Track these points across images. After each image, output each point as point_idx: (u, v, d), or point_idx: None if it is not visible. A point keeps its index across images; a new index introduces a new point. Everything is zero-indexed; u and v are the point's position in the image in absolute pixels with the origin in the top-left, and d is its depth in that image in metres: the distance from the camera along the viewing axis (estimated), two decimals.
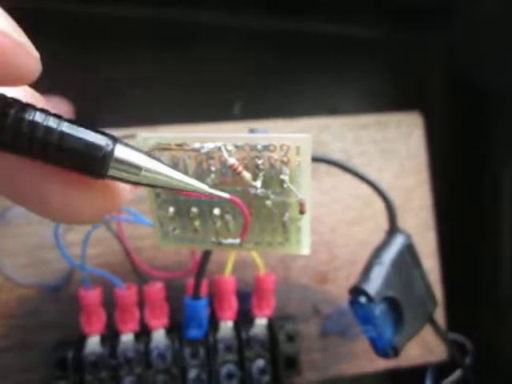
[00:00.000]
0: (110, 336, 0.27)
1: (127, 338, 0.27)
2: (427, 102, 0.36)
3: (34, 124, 0.13)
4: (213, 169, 0.20)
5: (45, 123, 0.13)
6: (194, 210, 0.21)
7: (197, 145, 0.19)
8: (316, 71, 0.36)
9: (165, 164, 0.15)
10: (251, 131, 0.22)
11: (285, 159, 0.19)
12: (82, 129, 0.13)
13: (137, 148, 0.14)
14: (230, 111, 0.35)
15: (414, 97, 0.36)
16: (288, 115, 0.32)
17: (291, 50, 0.37)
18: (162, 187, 0.15)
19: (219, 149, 0.19)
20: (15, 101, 0.13)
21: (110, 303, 0.27)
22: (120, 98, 0.34)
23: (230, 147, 0.19)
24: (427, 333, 0.28)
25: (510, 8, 0.31)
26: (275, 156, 0.19)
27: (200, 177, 0.20)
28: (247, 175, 0.19)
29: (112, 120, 0.31)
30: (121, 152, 0.14)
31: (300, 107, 0.36)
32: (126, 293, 0.27)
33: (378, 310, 0.23)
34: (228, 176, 0.20)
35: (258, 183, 0.19)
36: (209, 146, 0.19)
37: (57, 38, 0.33)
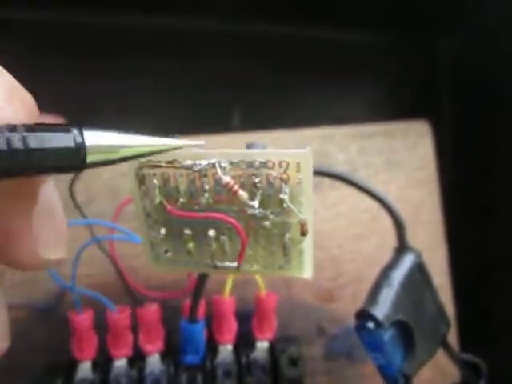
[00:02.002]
0: (102, 361, 0.26)
1: (120, 363, 0.25)
2: (434, 110, 0.35)
3: None
4: (206, 187, 0.18)
5: (5, 133, 0.12)
6: (187, 231, 0.19)
7: (189, 162, 0.18)
8: (319, 80, 0.35)
9: (137, 134, 0.15)
10: (249, 146, 0.21)
11: (284, 177, 0.17)
12: (46, 134, 0.13)
13: (106, 129, 0.14)
14: (230, 121, 0.34)
15: (422, 105, 0.35)
16: (290, 125, 0.31)
17: (293, 58, 0.35)
18: (140, 156, 0.15)
19: (213, 166, 0.18)
20: None
21: (101, 325, 0.26)
22: (115, 109, 0.33)
23: (224, 164, 0.18)
24: (439, 354, 0.26)
25: None
26: (274, 173, 0.17)
27: (193, 196, 0.18)
28: (243, 194, 0.18)
29: None
30: (92, 139, 0.14)
31: (303, 117, 0.35)
32: (119, 316, 0.25)
33: (387, 335, 0.22)
34: (223, 195, 0.18)
35: (256, 203, 0.18)
36: (202, 163, 0.18)
37: (47, 48, 0.32)
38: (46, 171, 0.13)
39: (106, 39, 0.33)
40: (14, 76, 0.14)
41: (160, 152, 0.16)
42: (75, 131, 0.13)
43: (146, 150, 0.15)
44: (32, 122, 0.13)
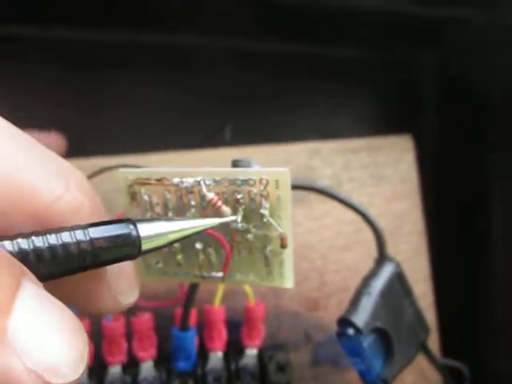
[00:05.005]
0: (97, 368, 0.27)
1: (115, 370, 0.27)
2: (418, 124, 0.36)
3: (66, 245, 0.14)
4: (193, 203, 0.19)
5: (74, 239, 0.14)
6: (176, 244, 0.21)
7: (176, 180, 0.19)
8: (307, 95, 0.36)
9: (179, 219, 0.17)
10: (235, 162, 0.22)
11: (264, 193, 0.19)
12: (106, 227, 0.15)
13: (154, 218, 0.17)
14: (221, 136, 0.35)
15: (406, 120, 0.36)
16: (279, 140, 0.32)
17: (281, 74, 0.37)
18: (185, 238, 0.17)
19: (198, 183, 0.19)
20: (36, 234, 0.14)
21: (97, 334, 0.27)
22: (108, 124, 0.35)
23: (208, 182, 0.19)
24: (422, 360, 0.28)
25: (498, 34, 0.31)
26: (255, 190, 0.19)
27: (180, 211, 0.20)
28: (226, 210, 0.19)
29: (99, 147, 0.31)
30: (144, 230, 0.16)
31: (291, 131, 0.36)
32: (114, 324, 0.27)
33: (367, 342, 0.23)
34: (208, 210, 0.19)
35: (239, 217, 0.19)
36: (188, 180, 0.19)
37: (44, 64, 0.33)
38: (109, 264, 0.15)
39: (100, 56, 0.35)
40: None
41: (199, 232, 0.18)
42: (131, 226, 0.15)
43: (189, 232, 0.17)
44: (87, 199, 0.15)
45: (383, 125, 0.36)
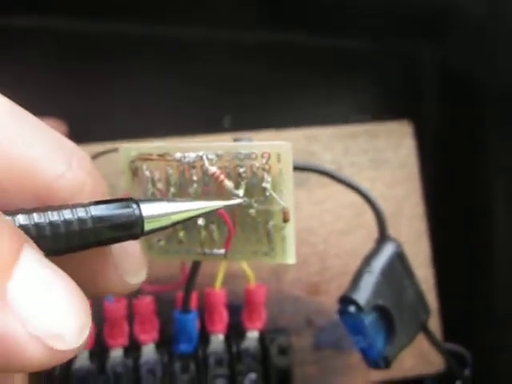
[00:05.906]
0: (99, 351, 0.27)
1: (116, 353, 0.27)
2: (419, 111, 0.36)
3: (68, 222, 0.14)
4: (195, 178, 0.20)
5: (75, 216, 0.14)
6: None
7: (178, 155, 0.19)
8: (305, 83, 0.36)
9: (184, 200, 0.17)
10: (236, 140, 0.22)
11: (266, 167, 0.19)
12: (108, 205, 0.15)
13: (157, 199, 0.17)
14: (220, 126, 0.35)
15: (406, 106, 0.36)
16: (278, 126, 0.32)
17: (281, 64, 0.37)
18: (188, 219, 0.17)
19: (201, 158, 0.19)
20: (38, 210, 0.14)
21: (98, 316, 0.27)
22: (108, 112, 0.35)
23: (211, 156, 0.19)
24: (423, 343, 0.28)
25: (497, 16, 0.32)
26: (257, 164, 0.19)
27: (182, 187, 0.20)
28: (229, 184, 0.19)
29: (100, 134, 0.31)
30: (147, 210, 0.16)
31: (291, 118, 0.36)
32: (115, 306, 0.27)
33: (368, 319, 0.23)
34: (210, 185, 0.20)
35: (241, 192, 0.19)
36: (190, 155, 0.19)
37: (45, 53, 0.33)
38: (111, 243, 0.15)
39: (100, 45, 0.35)
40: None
41: (204, 214, 0.18)
42: (134, 205, 0.15)
43: (193, 213, 0.17)
44: (89, 178, 0.15)
45: (384, 115, 0.36)
